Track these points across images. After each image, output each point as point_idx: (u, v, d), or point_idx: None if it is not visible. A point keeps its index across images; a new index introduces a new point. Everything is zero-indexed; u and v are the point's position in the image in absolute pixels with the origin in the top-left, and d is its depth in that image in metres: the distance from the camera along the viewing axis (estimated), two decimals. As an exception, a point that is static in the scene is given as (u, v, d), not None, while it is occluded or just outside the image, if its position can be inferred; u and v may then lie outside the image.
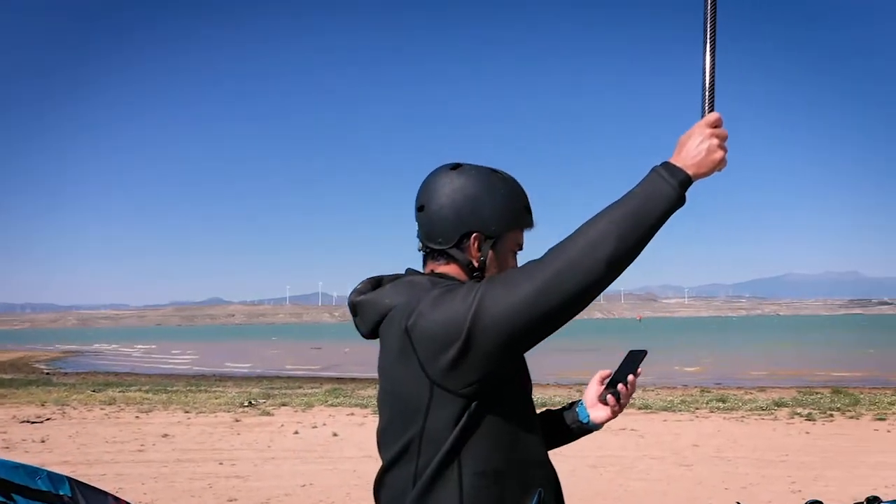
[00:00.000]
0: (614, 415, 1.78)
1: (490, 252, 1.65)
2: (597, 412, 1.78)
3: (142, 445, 9.79)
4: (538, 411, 1.74)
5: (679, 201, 1.42)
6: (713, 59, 1.50)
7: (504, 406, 1.54)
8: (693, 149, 1.43)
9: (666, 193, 1.40)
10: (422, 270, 1.72)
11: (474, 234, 1.63)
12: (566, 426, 1.82)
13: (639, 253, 1.44)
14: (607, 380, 1.81)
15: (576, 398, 1.86)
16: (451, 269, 1.66)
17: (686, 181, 1.42)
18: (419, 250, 1.74)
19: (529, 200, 1.72)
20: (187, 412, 13.12)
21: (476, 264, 1.65)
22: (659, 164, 1.45)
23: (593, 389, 1.81)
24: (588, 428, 1.81)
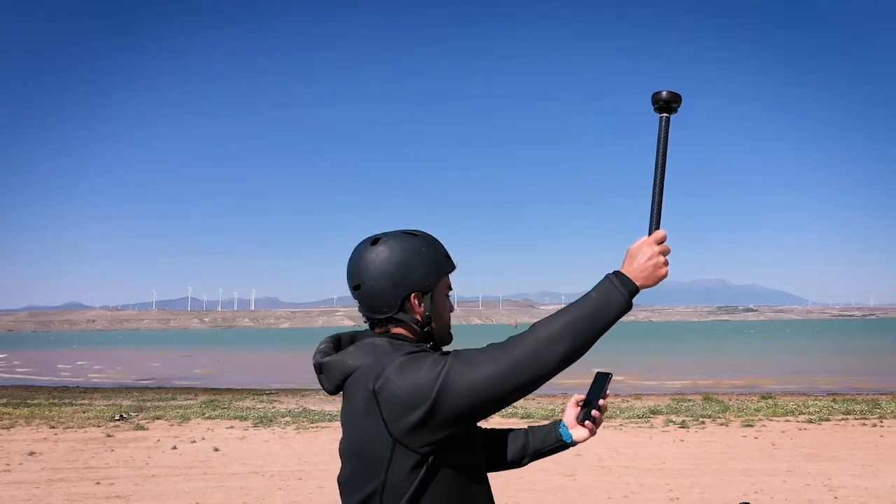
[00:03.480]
0: (592, 434, 2.04)
1: (430, 304, 1.86)
2: (578, 432, 2.04)
3: (7, 465, 9.15)
4: (525, 426, 2.14)
5: (628, 308, 1.68)
6: (662, 181, 1.73)
7: (458, 460, 1.76)
8: (642, 263, 1.69)
9: (617, 302, 1.66)
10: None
11: (413, 295, 1.83)
12: (547, 443, 2.08)
13: (587, 350, 1.69)
14: (581, 402, 2.05)
15: None
16: (402, 330, 1.86)
17: (635, 291, 1.68)
18: (365, 321, 1.91)
19: (444, 246, 1.95)
20: (53, 427, 12.37)
21: (422, 319, 1.86)
22: (612, 272, 1.70)
23: (571, 412, 2.07)
24: (569, 445, 2.08)
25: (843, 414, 13.08)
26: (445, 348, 1.88)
